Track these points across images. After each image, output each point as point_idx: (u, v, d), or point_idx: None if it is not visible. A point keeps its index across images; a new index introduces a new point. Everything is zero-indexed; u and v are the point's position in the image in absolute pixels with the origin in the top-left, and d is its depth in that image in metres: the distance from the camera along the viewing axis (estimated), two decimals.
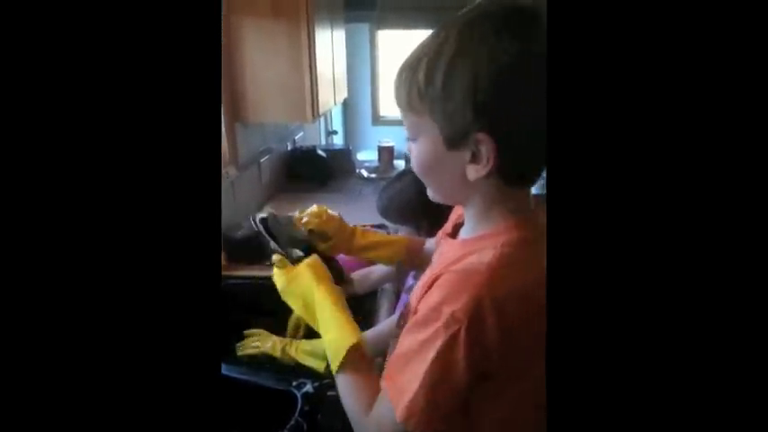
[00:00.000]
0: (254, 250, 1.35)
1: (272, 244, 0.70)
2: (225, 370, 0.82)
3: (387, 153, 2.22)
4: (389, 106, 3.83)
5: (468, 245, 0.49)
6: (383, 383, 0.49)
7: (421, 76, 0.44)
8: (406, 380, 0.46)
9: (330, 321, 0.58)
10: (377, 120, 3.82)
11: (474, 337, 0.42)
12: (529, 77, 0.40)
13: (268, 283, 0.87)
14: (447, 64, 0.43)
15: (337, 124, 3.45)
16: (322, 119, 2.86)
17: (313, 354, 0.85)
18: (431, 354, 0.44)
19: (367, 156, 2.71)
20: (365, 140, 3.56)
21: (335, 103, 1.85)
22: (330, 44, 1.69)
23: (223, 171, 1.47)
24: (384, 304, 1.11)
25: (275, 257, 0.66)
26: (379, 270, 1.16)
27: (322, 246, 0.81)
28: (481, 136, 0.43)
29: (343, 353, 0.54)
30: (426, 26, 3.79)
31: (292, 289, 0.62)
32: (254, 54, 1.45)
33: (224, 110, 1.45)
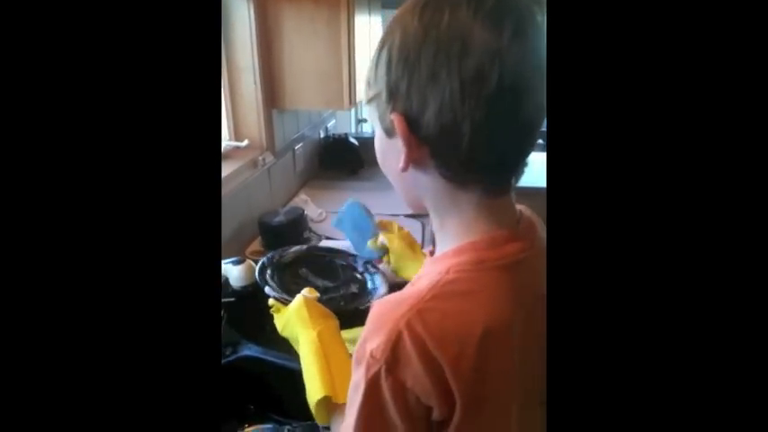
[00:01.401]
0: (290, 237, 1.37)
1: (267, 289, 0.73)
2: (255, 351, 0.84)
3: None
4: None
5: (427, 267, 0.44)
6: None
7: (373, 60, 0.41)
8: (345, 425, 0.42)
9: (306, 372, 0.60)
10: None
11: (400, 376, 0.37)
12: (438, 58, 0.35)
13: None
14: (379, 45, 0.39)
15: (366, 112, 3.43)
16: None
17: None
18: (360, 398, 0.39)
19: None
20: None
21: None
22: (368, 30, 1.67)
23: (260, 158, 1.48)
24: None
25: (270, 302, 0.70)
26: None
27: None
28: (393, 116, 0.38)
29: (313, 409, 0.56)
30: None
31: (286, 334, 0.66)
32: (293, 40, 1.44)
33: (261, 97, 1.46)
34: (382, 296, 0.75)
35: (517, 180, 0.43)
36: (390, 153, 0.42)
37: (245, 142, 1.47)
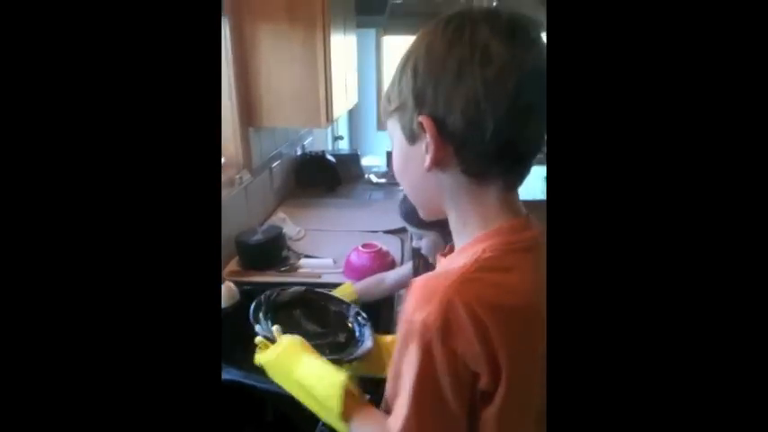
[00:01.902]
0: (268, 256, 1.35)
1: (258, 327, 0.71)
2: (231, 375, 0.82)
3: None
4: None
5: (452, 258, 0.48)
6: (385, 407, 0.49)
7: (393, 79, 0.47)
8: (398, 404, 0.44)
9: (312, 378, 0.58)
10: (382, 125, 3.83)
11: (450, 342, 0.40)
12: (463, 66, 0.41)
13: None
14: (401, 63, 0.46)
15: (343, 129, 3.45)
16: None
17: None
18: (413, 370, 0.41)
19: (373, 161, 2.71)
20: (370, 145, 3.57)
21: (347, 109, 1.85)
22: (343, 49, 1.69)
23: (237, 176, 1.46)
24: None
25: (257, 340, 0.68)
26: (393, 275, 1.16)
27: None
28: (421, 119, 0.43)
29: (337, 401, 0.53)
30: None
31: (273, 374, 0.63)
32: (270, 59, 1.45)
33: (238, 115, 1.45)
34: (368, 350, 0.74)
35: (523, 178, 0.48)
36: (412, 159, 0.47)
37: (222, 160, 1.46)
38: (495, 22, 0.42)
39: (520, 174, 0.47)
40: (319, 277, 1.28)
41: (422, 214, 0.52)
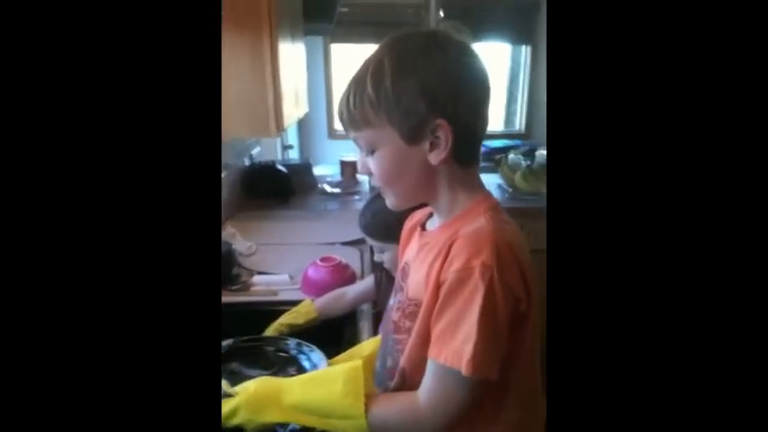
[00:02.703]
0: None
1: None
2: None
3: (350, 167, 2.18)
4: None
5: (453, 224, 0.57)
6: (431, 363, 0.53)
7: (370, 90, 0.53)
8: (459, 342, 0.50)
9: (320, 386, 0.58)
10: (332, 134, 3.77)
11: (504, 277, 0.50)
12: (464, 72, 0.53)
13: (233, 309, 0.79)
14: (393, 72, 0.52)
15: (292, 138, 3.37)
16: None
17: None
18: (476, 306, 0.49)
19: (324, 170, 2.65)
20: (321, 155, 3.50)
21: (298, 117, 1.79)
22: (292, 56, 1.64)
23: None
24: (365, 326, 1.06)
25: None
26: (354, 290, 1.11)
27: None
28: (440, 122, 0.52)
29: (355, 380, 0.54)
30: (379, 41, 3.82)
31: (256, 411, 0.57)
32: None
33: None
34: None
35: None
36: (411, 159, 0.55)
37: None
38: (463, 38, 0.55)
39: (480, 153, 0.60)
40: (275, 295, 1.21)
41: (402, 204, 0.60)
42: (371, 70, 0.53)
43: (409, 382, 0.57)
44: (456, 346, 0.50)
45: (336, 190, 2.11)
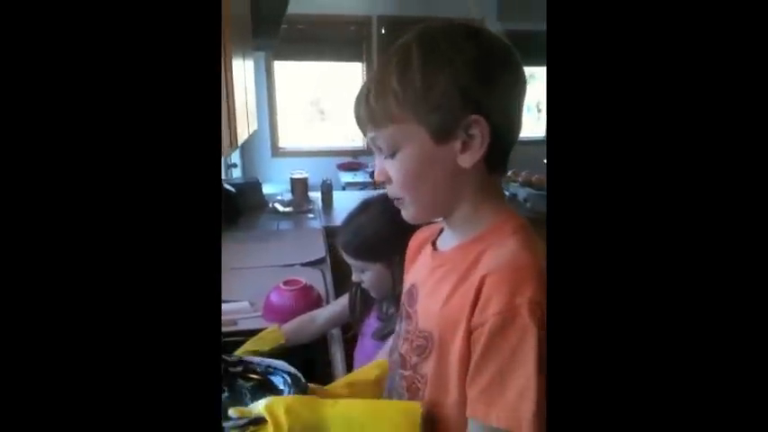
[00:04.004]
0: None
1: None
2: None
3: (300, 184, 2.12)
4: (289, 137, 3.73)
5: (475, 245, 0.50)
6: (476, 427, 0.45)
7: (395, 82, 0.47)
8: (513, 398, 0.42)
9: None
10: (276, 151, 3.69)
11: (546, 318, 0.42)
12: (499, 69, 0.48)
13: None
14: (421, 62, 0.46)
15: (235, 157, 3.24)
16: None
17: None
18: (530, 352, 0.42)
19: (271, 189, 2.57)
20: (265, 172, 3.40)
21: (249, 133, 1.72)
22: (243, 73, 1.58)
23: None
24: (337, 352, 1.01)
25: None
26: (325, 313, 1.06)
27: None
28: (475, 117, 0.46)
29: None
30: (323, 58, 3.81)
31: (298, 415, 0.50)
32: None
33: None
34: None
35: None
36: (439, 159, 0.48)
37: None
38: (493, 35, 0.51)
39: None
40: (235, 324, 1.12)
41: (423, 217, 0.53)
42: (397, 60, 0.47)
43: (444, 426, 0.50)
44: (510, 404, 0.42)
45: (288, 209, 2.05)
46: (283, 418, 0.48)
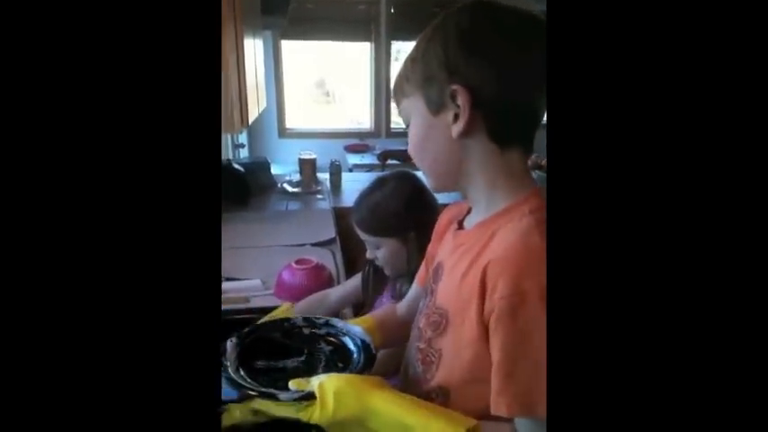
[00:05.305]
0: None
1: (282, 395, 0.50)
2: None
3: (309, 165, 2.11)
4: (296, 118, 3.71)
5: (490, 224, 0.50)
6: (501, 407, 0.43)
7: (408, 62, 0.52)
8: (525, 377, 0.42)
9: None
10: (283, 132, 3.67)
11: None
12: (494, 39, 0.48)
13: None
14: (424, 42, 0.50)
15: (242, 137, 3.23)
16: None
17: None
18: (539, 332, 0.40)
19: (278, 169, 2.56)
20: (272, 153, 3.39)
21: (259, 112, 1.71)
22: (253, 51, 1.56)
23: None
24: None
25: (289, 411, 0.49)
26: (338, 291, 1.07)
27: None
28: (455, 87, 0.47)
29: None
30: (332, 38, 3.76)
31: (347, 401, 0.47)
32: None
33: None
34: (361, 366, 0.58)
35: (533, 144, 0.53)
36: (436, 129, 0.50)
37: None
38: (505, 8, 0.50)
39: (532, 139, 0.52)
40: (247, 302, 1.14)
41: (437, 186, 0.55)
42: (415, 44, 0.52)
43: (454, 404, 0.50)
44: (523, 384, 0.42)
45: (297, 189, 2.04)
46: (331, 403, 0.47)
